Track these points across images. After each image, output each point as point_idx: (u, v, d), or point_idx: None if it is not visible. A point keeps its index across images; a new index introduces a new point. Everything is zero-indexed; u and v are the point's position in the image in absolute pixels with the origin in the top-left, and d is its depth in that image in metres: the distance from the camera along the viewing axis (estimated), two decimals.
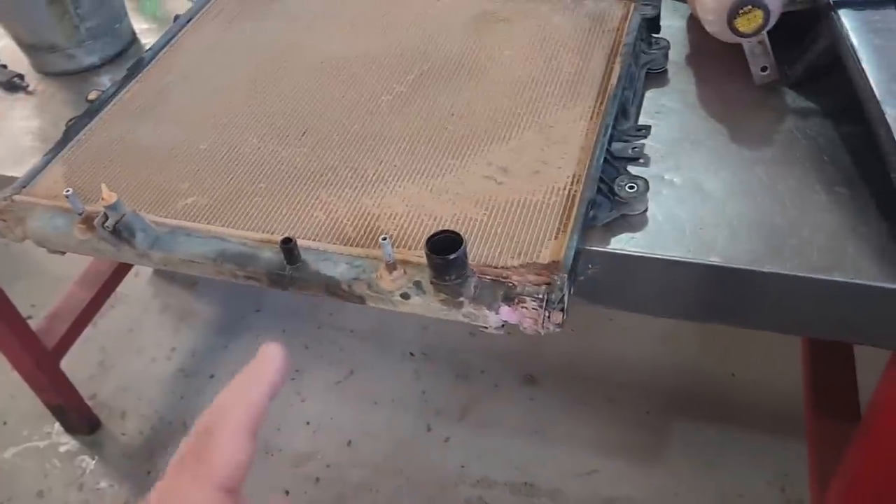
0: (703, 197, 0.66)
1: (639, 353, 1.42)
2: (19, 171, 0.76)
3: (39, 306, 1.56)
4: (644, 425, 1.30)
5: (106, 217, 0.62)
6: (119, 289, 1.52)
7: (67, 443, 1.41)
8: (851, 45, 0.68)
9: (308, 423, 1.39)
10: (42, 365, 1.29)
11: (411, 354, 1.48)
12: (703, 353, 1.40)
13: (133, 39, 1.02)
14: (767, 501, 1.18)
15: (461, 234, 0.54)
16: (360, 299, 0.59)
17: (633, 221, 0.64)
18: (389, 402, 1.40)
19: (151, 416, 1.44)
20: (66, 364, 1.34)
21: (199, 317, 1.63)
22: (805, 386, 1.05)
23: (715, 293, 0.63)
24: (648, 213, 0.64)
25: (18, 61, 0.97)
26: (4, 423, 1.46)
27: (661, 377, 1.38)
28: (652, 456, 1.26)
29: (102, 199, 0.61)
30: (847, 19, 0.70)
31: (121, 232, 0.62)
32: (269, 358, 0.36)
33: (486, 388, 1.40)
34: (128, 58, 0.98)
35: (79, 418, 1.40)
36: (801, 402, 1.07)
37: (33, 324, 1.30)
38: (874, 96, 0.63)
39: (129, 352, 1.57)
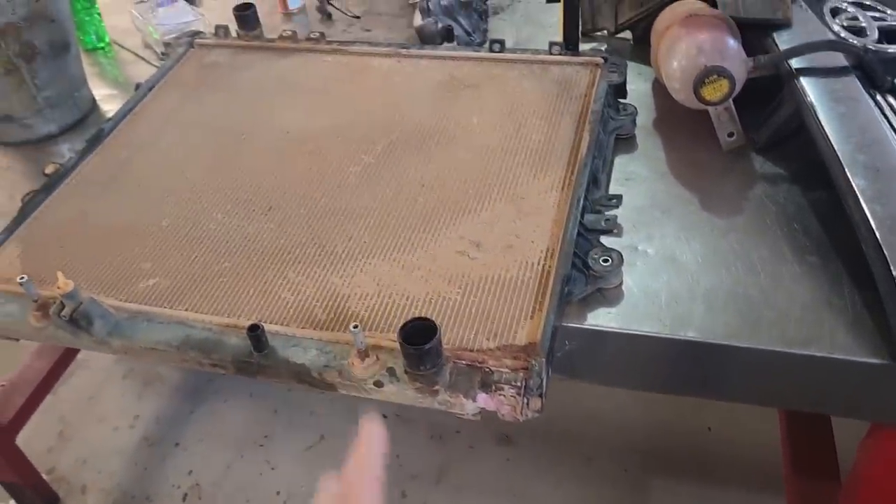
0: (677, 268, 0.65)
1: (614, 408, 1.40)
2: None
3: None
4: (622, 483, 1.28)
5: (62, 305, 0.60)
6: (80, 354, 1.46)
7: None
8: (815, 113, 0.68)
9: (278, 493, 1.34)
10: None
11: (384, 416, 1.44)
12: (678, 407, 1.39)
13: (93, 107, 1.00)
14: None
15: (434, 318, 0.52)
16: (332, 387, 0.56)
17: (608, 295, 0.63)
18: None
19: (113, 489, 1.37)
20: (22, 436, 1.27)
21: (164, 381, 1.57)
22: (783, 446, 1.04)
23: (692, 368, 0.62)
24: (624, 287, 0.64)
25: None
26: None
27: (636, 432, 1.36)
28: None
29: (58, 287, 0.58)
30: (810, 87, 0.71)
31: (78, 321, 0.60)
32: (377, 435, 0.43)
33: (461, 450, 1.37)
34: (87, 125, 0.96)
35: (35, 496, 1.33)
36: (778, 456, 1.05)
37: None
38: (841, 166, 0.63)
39: (89, 421, 1.51)
